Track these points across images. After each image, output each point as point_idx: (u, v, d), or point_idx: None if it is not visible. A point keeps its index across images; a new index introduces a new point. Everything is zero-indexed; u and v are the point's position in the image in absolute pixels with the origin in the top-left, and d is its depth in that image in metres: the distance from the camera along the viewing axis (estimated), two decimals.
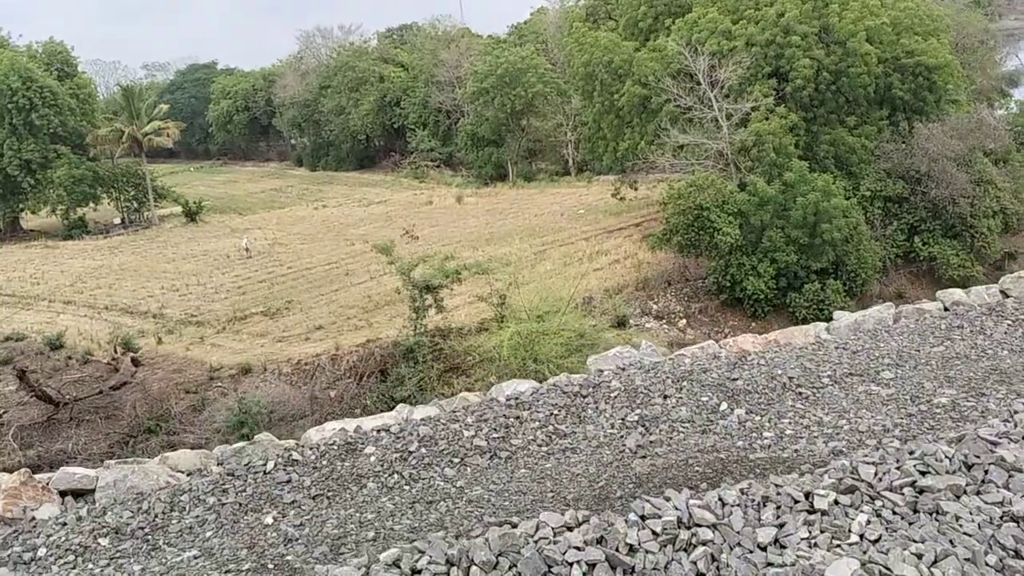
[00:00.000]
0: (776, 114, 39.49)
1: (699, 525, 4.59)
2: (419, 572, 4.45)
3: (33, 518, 6.48)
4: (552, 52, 75.77)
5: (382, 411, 29.31)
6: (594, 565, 4.37)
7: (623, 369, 7.48)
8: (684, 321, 37.59)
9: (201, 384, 29.62)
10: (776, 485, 4.98)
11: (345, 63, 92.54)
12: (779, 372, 7.82)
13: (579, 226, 50.03)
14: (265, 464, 6.48)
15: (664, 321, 37.13)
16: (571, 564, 4.34)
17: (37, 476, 6.90)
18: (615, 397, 6.78)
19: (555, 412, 6.58)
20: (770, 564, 4.36)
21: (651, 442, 6.40)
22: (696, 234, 37.63)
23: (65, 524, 5.87)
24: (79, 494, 7.13)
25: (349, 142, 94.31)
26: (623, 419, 6.59)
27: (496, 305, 31.09)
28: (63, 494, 7.15)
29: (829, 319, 38.09)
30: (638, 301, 37.33)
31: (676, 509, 4.69)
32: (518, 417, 6.91)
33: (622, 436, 6.46)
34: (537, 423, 6.65)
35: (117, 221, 71.35)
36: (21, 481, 6.82)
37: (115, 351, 31.91)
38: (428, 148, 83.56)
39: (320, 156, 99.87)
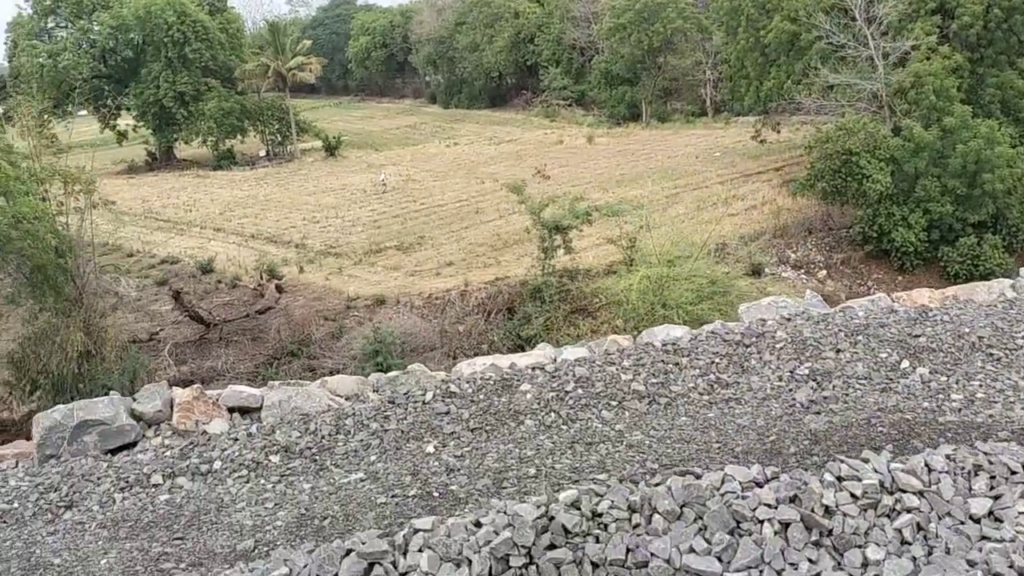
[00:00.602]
0: (938, 54, 36.47)
1: (903, 491, 4.23)
2: (600, 515, 4.33)
3: (205, 431, 6.77)
4: None
5: (509, 349, 29.64)
6: (788, 525, 4.10)
7: (788, 319, 7.04)
8: (824, 272, 35.91)
9: (339, 312, 30.61)
10: (986, 453, 4.54)
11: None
12: (966, 331, 7.14)
13: (714, 169, 48.36)
14: (424, 394, 6.53)
15: (802, 271, 35.58)
16: (762, 522, 4.11)
17: (207, 392, 7.22)
18: (781, 348, 6.41)
19: (716, 360, 6.28)
20: (985, 538, 3.98)
21: (824, 398, 6.01)
22: (843, 180, 35.62)
23: (236, 440, 6.11)
24: (245, 411, 7.41)
25: (482, 79, 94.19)
26: (791, 372, 6.23)
27: (625, 248, 30.47)
28: (231, 410, 7.44)
29: (985, 276, 35.54)
30: (775, 249, 35.82)
31: (876, 472, 4.33)
32: (677, 364, 6.66)
33: (791, 389, 6.10)
34: (697, 371, 6.38)
35: (262, 154, 74.43)
36: (194, 396, 7.14)
37: (261, 278, 33.37)
38: (560, 86, 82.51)
39: (453, 93, 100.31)
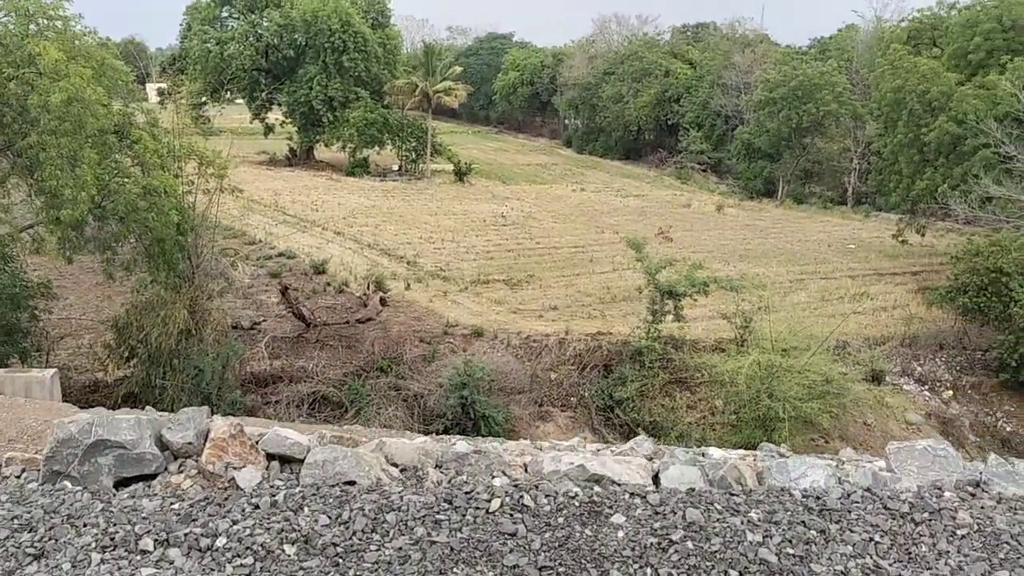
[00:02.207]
0: None
1: None
2: None
3: (233, 479, 5.54)
4: (854, 72, 69.77)
5: (598, 406, 28.26)
6: None
7: (972, 494, 5.34)
8: (950, 392, 32.75)
9: (435, 336, 30.00)
10: None
11: (634, 52, 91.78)
12: None
13: (846, 261, 45.89)
14: (490, 501, 5.16)
15: (926, 387, 32.62)
16: None
17: (247, 430, 5.98)
18: (963, 538, 4.76)
19: (875, 538, 4.71)
20: None
21: None
22: (988, 299, 32.47)
23: (258, 508, 4.86)
24: (286, 460, 6.14)
25: (620, 131, 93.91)
26: None
27: (739, 327, 28.96)
28: (270, 456, 6.18)
29: None
30: (900, 358, 33.08)
31: None
32: (823, 531, 5.06)
33: None
34: (850, 548, 4.79)
35: (395, 168, 75.75)
36: (231, 434, 5.94)
37: (368, 287, 33.22)
38: (698, 150, 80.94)
39: (589, 140, 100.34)
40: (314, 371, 26.57)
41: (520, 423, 26.72)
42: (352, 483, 6.03)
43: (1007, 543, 4.66)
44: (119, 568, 4.34)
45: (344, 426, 16.54)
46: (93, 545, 4.33)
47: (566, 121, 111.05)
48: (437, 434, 13.69)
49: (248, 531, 4.46)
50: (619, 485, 5.19)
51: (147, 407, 12.21)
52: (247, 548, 4.36)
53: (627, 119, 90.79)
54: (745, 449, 7.39)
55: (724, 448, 7.44)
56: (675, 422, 26.93)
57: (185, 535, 4.41)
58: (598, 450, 7.34)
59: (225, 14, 74.01)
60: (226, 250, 37.14)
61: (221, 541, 4.39)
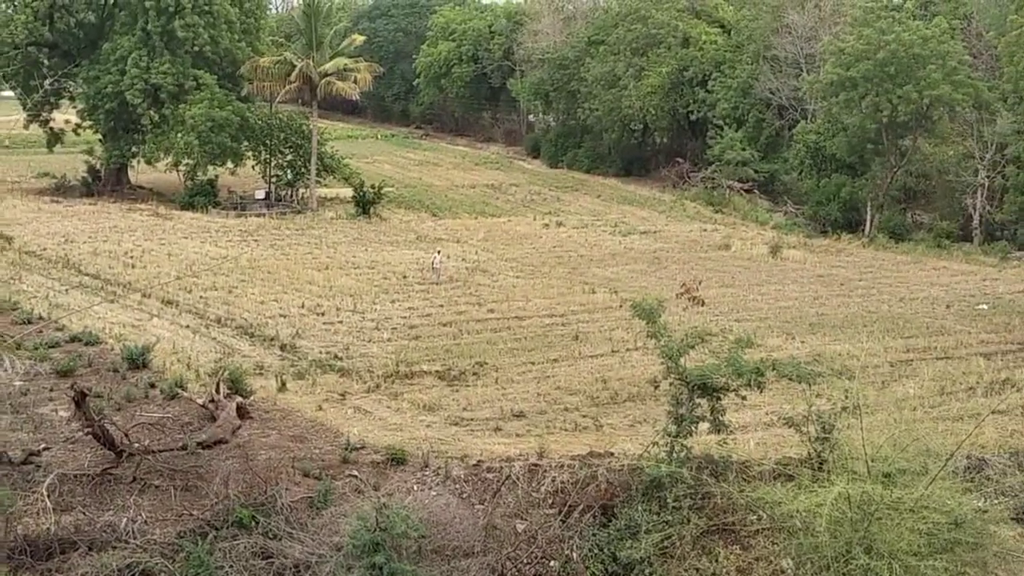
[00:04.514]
0: None
1: None
2: None
3: None
4: (975, 37, 72.19)
5: (595, 573, 28.17)
6: None
7: None
8: None
9: (329, 467, 29.82)
10: None
11: (635, 10, 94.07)
12: None
13: (976, 331, 46.86)
14: None
15: None
16: None
17: None
18: None
19: None
20: None
21: None
22: None
23: None
24: None
25: (616, 131, 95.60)
26: None
27: (814, 439, 29.30)
28: None
29: None
30: None
31: None
32: None
33: None
34: None
35: (260, 195, 76.11)
36: None
37: (216, 389, 32.95)
38: (739, 160, 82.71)
39: (568, 147, 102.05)
40: (129, 530, 26.11)
41: None
42: None
43: None
44: None
45: None
46: None
47: (531, 118, 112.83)
48: None
49: None
50: None
51: None
52: None
53: (626, 112, 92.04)
54: None
55: None
56: None
57: None
58: None
59: None
60: None
61: None
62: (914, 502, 25.81)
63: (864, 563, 24.50)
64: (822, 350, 41.56)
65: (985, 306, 51.65)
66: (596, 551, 27.63)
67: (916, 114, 67.72)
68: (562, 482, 29.68)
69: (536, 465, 30.15)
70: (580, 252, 62.83)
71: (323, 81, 74.37)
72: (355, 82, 76.91)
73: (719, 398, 29.11)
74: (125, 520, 26.36)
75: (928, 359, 42.36)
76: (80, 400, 29.01)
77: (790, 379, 29.88)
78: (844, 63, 69.08)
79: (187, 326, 42.86)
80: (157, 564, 25.35)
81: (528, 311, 47.74)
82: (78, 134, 76.98)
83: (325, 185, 77.16)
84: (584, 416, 34.88)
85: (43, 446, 29.50)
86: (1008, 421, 36.01)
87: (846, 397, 29.81)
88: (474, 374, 38.63)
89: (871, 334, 44.99)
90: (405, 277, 53.62)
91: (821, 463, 28.53)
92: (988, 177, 68.60)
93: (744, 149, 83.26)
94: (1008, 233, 68.55)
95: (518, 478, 29.78)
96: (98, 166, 76.84)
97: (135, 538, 25.76)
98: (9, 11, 70.49)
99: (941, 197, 74.27)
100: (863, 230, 72.14)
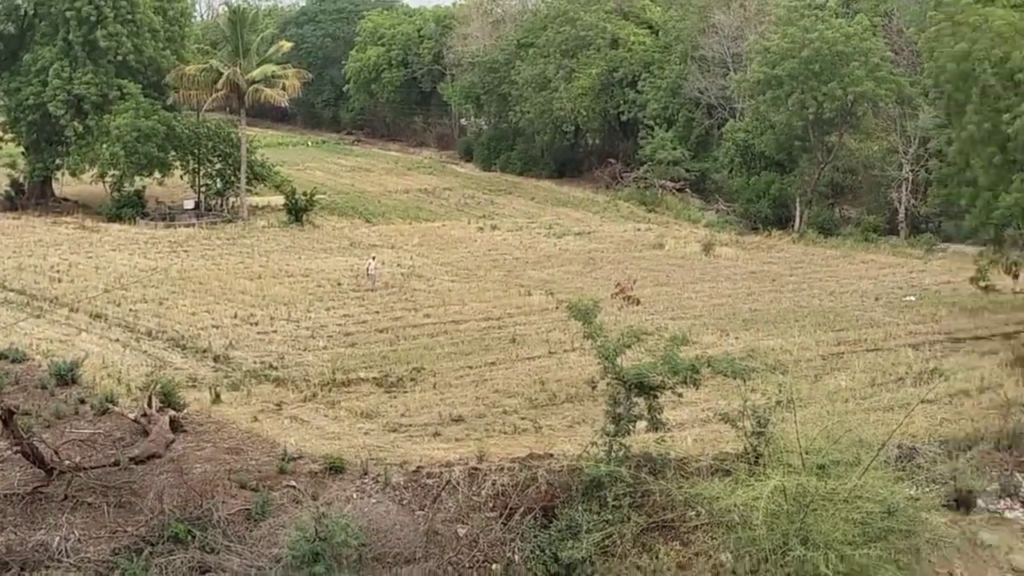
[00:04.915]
0: None
1: None
2: None
3: None
4: (896, 33, 73.39)
5: (538, 575, 28.31)
6: None
7: None
8: None
9: (266, 478, 29.68)
10: None
11: (563, 12, 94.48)
12: None
13: (905, 322, 47.59)
14: None
15: None
16: None
17: None
18: None
19: None
20: None
21: None
22: None
23: None
24: None
25: (548, 134, 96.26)
26: None
27: (750, 434, 29.64)
28: None
29: None
30: (998, 470, 34.24)
31: None
32: None
33: None
34: None
35: (189, 205, 75.43)
36: None
37: (148, 403, 32.63)
38: (670, 160, 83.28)
39: (501, 149, 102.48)
40: (62, 549, 25.84)
41: None
42: None
43: None
44: None
45: None
46: None
47: (462, 121, 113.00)
48: None
49: None
50: None
51: None
52: None
53: (558, 115, 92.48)
54: None
55: None
56: None
57: None
58: None
59: None
60: None
61: None
62: (848, 492, 26.19)
63: (800, 554, 24.74)
64: (756, 345, 42.09)
65: (913, 297, 52.46)
66: (538, 552, 27.75)
67: (841, 110, 68.79)
68: (502, 485, 29.79)
69: (476, 469, 30.26)
70: (515, 255, 62.97)
71: (251, 88, 73.93)
72: (284, 89, 76.64)
73: (656, 396, 29.34)
74: (58, 539, 26.14)
75: (859, 351, 43.00)
76: (7, 418, 28.59)
77: (725, 375, 30.29)
78: (770, 62, 70.00)
79: (117, 340, 42.39)
80: None
81: (465, 315, 47.84)
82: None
83: (256, 193, 76.58)
84: (523, 418, 35.04)
85: None
86: (937, 410, 36.66)
87: (780, 391, 30.34)
88: (412, 380, 38.67)
89: (803, 328, 45.53)
90: (340, 284, 53.50)
91: (757, 457, 28.79)
92: (912, 171, 69.84)
93: (675, 148, 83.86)
94: (933, 225, 69.85)
95: (458, 483, 29.88)
96: (21, 179, 75.82)
97: (68, 557, 25.60)
98: None
99: (867, 192, 75.40)
100: (793, 226, 73.05)
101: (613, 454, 28.97)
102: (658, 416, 29.48)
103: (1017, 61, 42.96)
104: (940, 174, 54.05)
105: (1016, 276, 47.87)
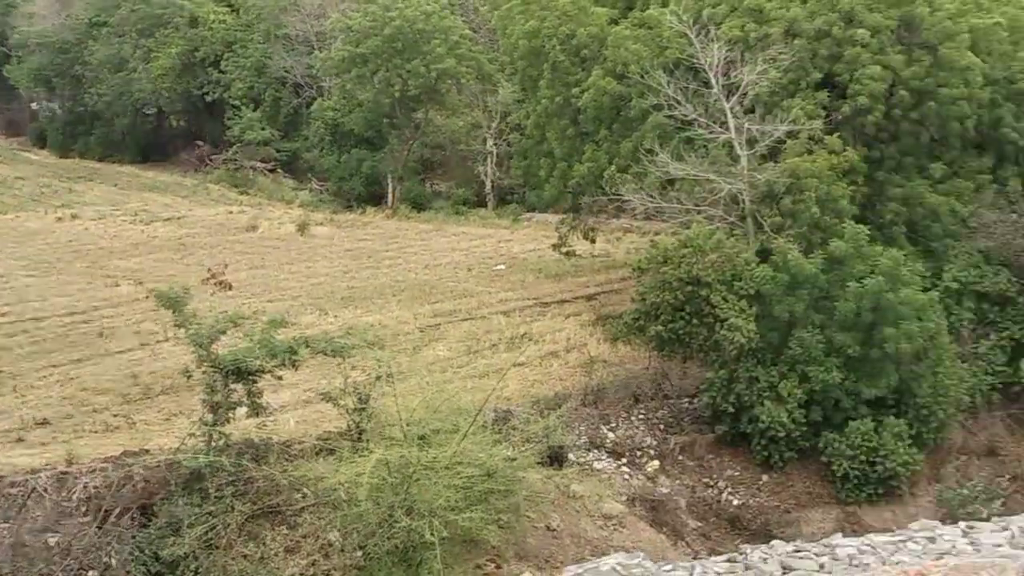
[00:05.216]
0: (825, 146, 39.67)
1: None
2: None
3: None
4: (473, 12, 75.90)
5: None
6: None
7: None
8: (656, 463, 36.92)
9: None
10: None
11: None
12: None
13: (496, 290, 49.49)
14: None
15: (624, 460, 36.49)
16: None
17: None
18: None
19: None
20: None
21: None
22: (687, 323, 37.10)
23: None
24: None
25: (128, 117, 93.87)
26: None
27: (351, 411, 30.08)
28: None
29: (884, 480, 37.67)
30: (585, 424, 36.61)
31: None
32: None
33: None
34: None
35: None
36: None
37: None
38: (259, 140, 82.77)
39: (78, 134, 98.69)
40: None
41: None
42: None
43: None
44: None
45: None
46: None
47: (33, 105, 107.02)
48: None
49: None
50: None
51: None
52: None
53: (138, 97, 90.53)
54: None
55: None
56: None
57: None
58: None
59: None
60: None
61: None
62: (449, 460, 27.41)
63: (406, 524, 25.76)
64: (354, 322, 42.39)
65: (502, 266, 54.46)
66: (137, 553, 27.35)
67: (426, 87, 70.15)
68: (95, 487, 28.95)
69: (65, 473, 29.15)
70: (100, 244, 60.35)
71: None
72: None
73: (255, 381, 29.36)
74: None
75: (455, 321, 44.43)
76: None
77: (325, 354, 30.56)
78: (353, 40, 70.54)
79: None
80: None
81: (46, 311, 45.34)
82: None
83: None
84: (115, 415, 34.23)
85: None
86: (528, 372, 38.68)
87: (379, 366, 30.84)
88: None
89: (400, 302, 46.39)
90: None
91: (360, 434, 29.48)
92: (496, 145, 72.45)
93: (264, 129, 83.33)
94: (517, 196, 72.68)
95: (45, 489, 28.70)
96: None
97: None
98: None
99: (456, 166, 77.73)
100: (386, 202, 74.14)
101: (213, 444, 28.75)
102: (258, 401, 29.52)
103: (582, 38, 45.47)
104: (520, 147, 56.39)
105: (593, 241, 50.62)
